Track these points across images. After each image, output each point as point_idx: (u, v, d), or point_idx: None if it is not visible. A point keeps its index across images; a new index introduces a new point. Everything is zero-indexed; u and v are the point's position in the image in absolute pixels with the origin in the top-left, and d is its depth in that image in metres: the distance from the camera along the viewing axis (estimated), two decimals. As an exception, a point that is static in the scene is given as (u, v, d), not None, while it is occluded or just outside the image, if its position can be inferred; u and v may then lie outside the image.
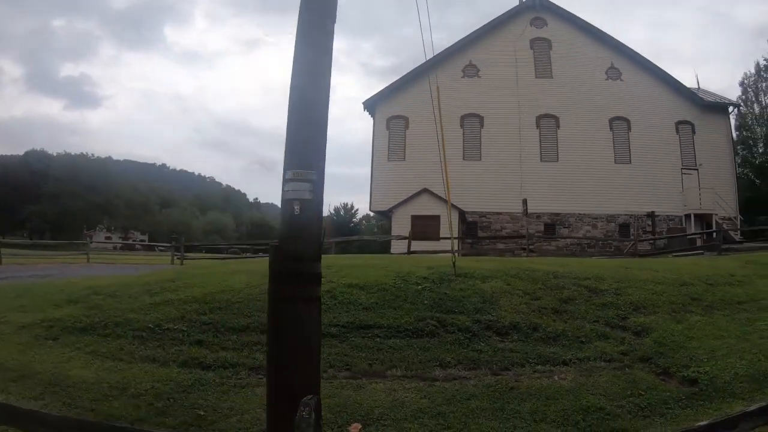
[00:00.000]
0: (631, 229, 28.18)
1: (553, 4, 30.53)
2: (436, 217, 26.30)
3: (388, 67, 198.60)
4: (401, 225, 26.62)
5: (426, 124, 29.01)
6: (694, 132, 29.57)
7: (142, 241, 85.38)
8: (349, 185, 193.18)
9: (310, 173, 3.98)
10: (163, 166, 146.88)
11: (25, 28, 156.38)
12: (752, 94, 47.29)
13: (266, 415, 3.90)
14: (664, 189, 28.40)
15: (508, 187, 28.03)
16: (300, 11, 4.23)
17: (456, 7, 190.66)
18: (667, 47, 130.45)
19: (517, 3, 31.38)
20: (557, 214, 28.46)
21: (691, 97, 30.02)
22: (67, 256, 29.89)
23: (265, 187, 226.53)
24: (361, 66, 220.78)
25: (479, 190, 27.93)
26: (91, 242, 36.24)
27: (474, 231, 28.34)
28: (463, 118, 29.22)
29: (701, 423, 3.75)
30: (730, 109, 31.49)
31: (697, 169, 28.89)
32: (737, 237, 26.38)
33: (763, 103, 46.99)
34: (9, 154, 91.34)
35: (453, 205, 26.11)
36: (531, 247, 24.45)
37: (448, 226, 12.89)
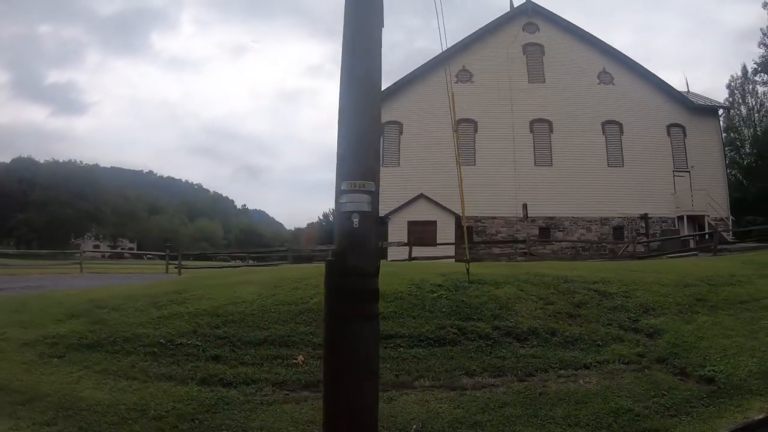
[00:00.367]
0: (625, 232, 28.42)
1: (545, 9, 30.81)
2: (433, 223, 26.42)
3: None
4: (398, 231, 26.63)
5: (420, 129, 29.26)
6: (685, 135, 29.96)
7: (130, 249, 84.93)
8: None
9: (369, 183, 3.82)
10: (150, 173, 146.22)
11: (11, 34, 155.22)
12: (739, 96, 48.13)
13: None
14: (656, 191, 28.71)
15: (503, 191, 28.15)
16: (345, 15, 4.11)
17: (444, 12, 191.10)
18: (652, 51, 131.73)
19: (509, 9, 31.66)
20: (552, 218, 28.63)
21: (682, 100, 30.45)
22: (59, 265, 29.48)
23: (253, 194, 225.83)
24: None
25: (474, 195, 27.85)
26: (83, 252, 35.78)
27: (469, 236, 28.34)
28: (457, 123, 29.29)
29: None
30: (720, 111, 31.92)
31: (688, 171, 29.27)
32: (729, 237, 26.70)
33: (750, 104, 47.77)
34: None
35: (450, 211, 26.36)
36: (532, 251, 24.58)
37: (463, 233, 12.93)
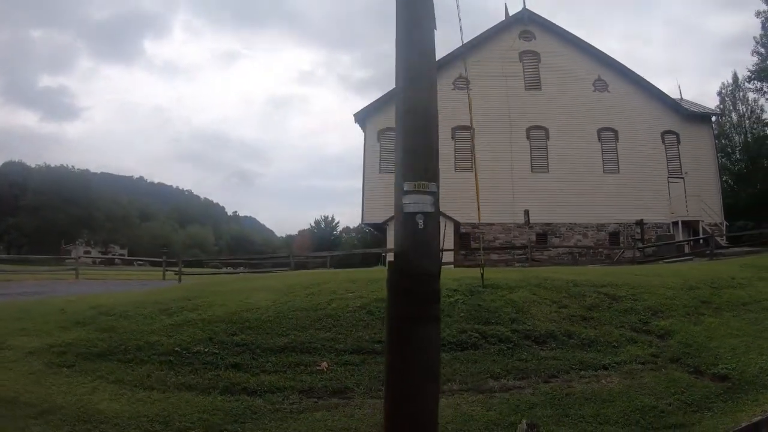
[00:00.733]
0: (621, 238, 28.69)
1: (541, 17, 31.11)
2: (432, 229, 26.48)
3: (367, 79, 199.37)
4: (396, 238, 26.63)
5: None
6: (679, 141, 30.27)
7: (121, 255, 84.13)
8: (328, 197, 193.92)
9: (431, 185, 3.80)
10: (141, 178, 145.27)
11: (3, 39, 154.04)
12: (730, 103, 48.73)
13: None
14: (651, 197, 28.99)
15: (500, 198, 28.26)
16: (397, 14, 4.11)
17: (437, 20, 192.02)
18: (639, 59, 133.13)
19: (504, 17, 31.93)
20: (549, 224, 28.82)
21: (675, 107, 30.78)
22: (53, 271, 29.10)
23: (244, 200, 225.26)
24: (339, 78, 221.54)
25: (471, 202, 28.06)
26: (79, 257, 35.59)
27: (467, 242, 28.53)
28: (454, 130, 29.51)
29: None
30: (713, 118, 32.33)
31: (683, 178, 29.55)
32: (723, 242, 27.00)
33: (741, 111, 48.38)
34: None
35: (448, 217, 26.40)
36: (532, 256, 24.75)
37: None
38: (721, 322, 8.69)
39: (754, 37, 39.89)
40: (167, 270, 27.42)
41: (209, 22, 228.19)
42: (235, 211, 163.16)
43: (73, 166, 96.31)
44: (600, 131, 29.81)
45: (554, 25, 30.99)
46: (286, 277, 13.94)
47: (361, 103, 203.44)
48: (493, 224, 28.62)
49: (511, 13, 31.71)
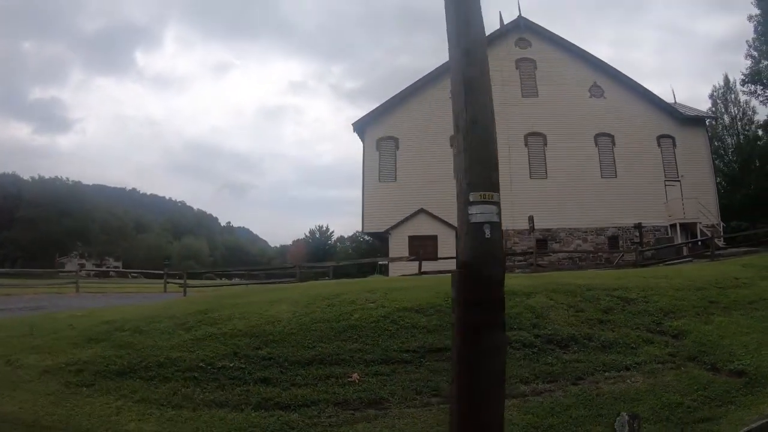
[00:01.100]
0: (620, 241, 29.00)
1: (537, 25, 31.47)
2: (434, 237, 26.73)
3: (358, 88, 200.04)
4: (399, 246, 26.95)
5: (417, 144, 29.65)
6: (674, 145, 30.76)
7: (116, 267, 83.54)
8: (320, 207, 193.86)
9: (495, 195, 3.85)
10: (134, 190, 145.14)
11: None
12: (722, 105, 49.34)
13: None
14: (649, 201, 29.38)
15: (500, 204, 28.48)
16: (449, 36, 4.21)
17: (422, 29, 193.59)
18: (630, 64, 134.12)
19: (498, 26, 32.23)
20: (549, 230, 29.06)
21: (670, 111, 31.26)
22: (52, 285, 28.13)
23: (236, 211, 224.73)
24: (331, 88, 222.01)
25: (471, 209, 28.31)
26: (80, 270, 35.39)
27: (467, 249, 28.58)
28: (452, 138, 29.57)
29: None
30: (707, 121, 32.74)
31: (679, 181, 29.99)
32: (721, 243, 27.29)
33: (733, 113, 49.01)
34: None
35: (450, 225, 26.63)
36: (539, 262, 24.92)
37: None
38: (730, 320, 8.94)
39: (747, 41, 40.50)
40: (169, 282, 27.28)
41: (201, 33, 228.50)
42: (229, 222, 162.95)
43: (67, 178, 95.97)
44: (597, 137, 30.19)
45: (549, 32, 31.37)
46: (298, 288, 13.83)
47: (353, 112, 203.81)
48: (492, 231, 28.76)
49: (506, 22, 32.06)
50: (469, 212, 3.81)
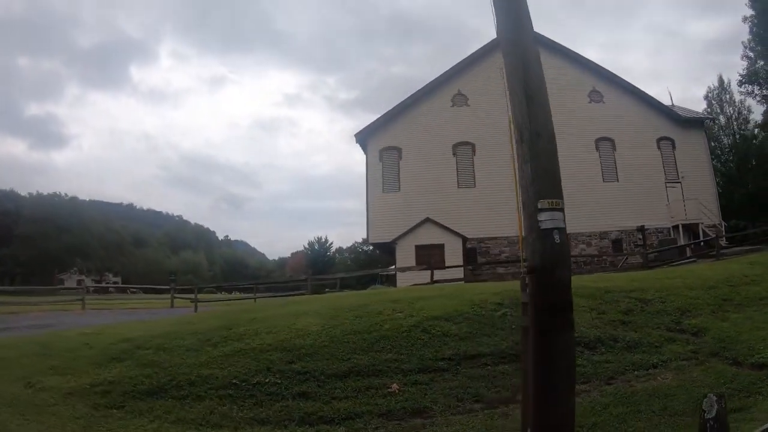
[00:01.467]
0: (624, 244, 29.21)
1: (535, 32, 31.64)
2: (440, 246, 26.79)
3: (352, 99, 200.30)
4: (406, 256, 27.02)
5: (420, 153, 29.82)
6: (674, 147, 31.04)
7: (115, 282, 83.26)
8: (317, 219, 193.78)
9: (560, 202, 4.05)
10: (131, 205, 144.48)
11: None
12: (717, 106, 49.75)
13: None
14: (651, 203, 29.63)
15: (504, 211, 28.54)
16: (504, 52, 4.54)
17: (414, 39, 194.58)
18: (625, 67, 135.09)
19: (495, 35, 32.45)
20: (553, 235, 29.18)
21: (669, 113, 31.56)
22: (56, 302, 27.56)
23: (233, 224, 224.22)
24: (325, 100, 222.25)
25: (475, 217, 28.54)
26: (88, 288, 35.27)
27: (473, 257, 28.84)
28: (455, 146, 29.95)
29: None
30: (706, 122, 33.10)
31: (680, 182, 30.22)
32: (723, 243, 27.53)
33: (728, 113, 49.48)
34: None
35: (456, 233, 26.84)
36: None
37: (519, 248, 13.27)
38: (745, 317, 9.26)
39: (743, 42, 40.89)
40: (176, 297, 27.20)
41: (195, 47, 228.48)
42: (227, 236, 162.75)
43: (65, 194, 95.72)
44: (597, 141, 30.43)
45: (547, 38, 31.52)
46: (315, 300, 13.95)
47: (347, 123, 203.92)
48: (497, 238, 28.99)
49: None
50: (539, 219, 4.00)
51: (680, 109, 33.45)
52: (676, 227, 29.10)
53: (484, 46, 31.49)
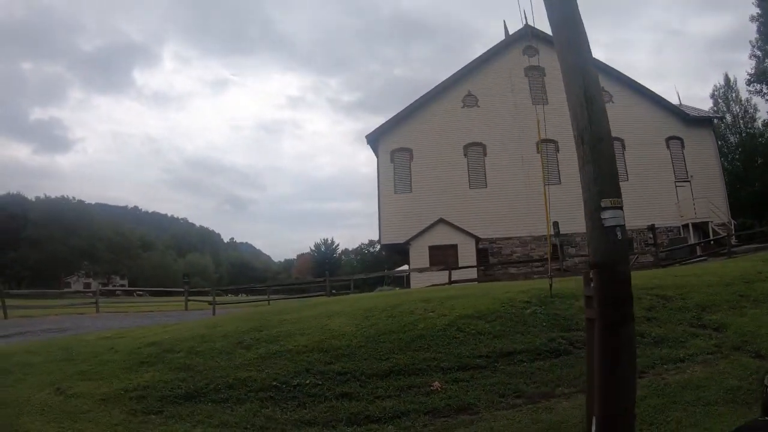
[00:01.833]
0: (635, 243, 29.34)
1: (544, 32, 31.51)
2: (453, 246, 27.05)
3: (354, 101, 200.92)
4: (419, 256, 27.30)
5: (431, 154, 30.09)
6: (683, 146, 31.30)
7: (122, 285, 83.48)
8: (321, 220, 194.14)
9: (620, 201, 4.22)
10: (136, 208, 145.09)
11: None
12: (723, 104, 49.95)
13: None
14: (661, 202, 29.95)
15: (515, 212, 28.92)
16: (561, 62, 4.68)
17: (417, 41, 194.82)
18: (629, 66, 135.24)
19: (504, 36, 32.73)
20: (564, 235, 29.33)
21: (677, 113, 31.81)
22: (71, 306, 28.09)
23: (238, 227, 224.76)
24: (329, 102, 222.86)
25: (487, 217, 28.80)
26: (99, 290, 35.43)
27: (485, 257, 29.07)
28: (466, 147, 30.23)
29: None
30: (714, 121, 33.29)
31: (689, 181, 30.46)
32: (733, 241, 27.74)
33: (735, 112, 49.65)
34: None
35: (469, 233, 27.07)
36: (558, 267, 25.14)
37: (548, 249, 13.52)
38: (763, 312, 9.38)
39: (750, 41, 41.16)
40: (190, 300, 27.39)
41: (198, 50, 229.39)
42: (232, 238, 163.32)
43: (73, 198, 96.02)
44: (608, 141, 30.57)
45: (552, 38, 31.77)
46: (338, 301, 13.92)
47: (351, 125, 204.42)
48: (509, 238, 29.25)
49: (510, 32, 32.52)
50: (602, 217, 4.19)
51: (688, 108, 33.65)
52: (685, 226, 29.34)
53: (494, 47, 31.83)
